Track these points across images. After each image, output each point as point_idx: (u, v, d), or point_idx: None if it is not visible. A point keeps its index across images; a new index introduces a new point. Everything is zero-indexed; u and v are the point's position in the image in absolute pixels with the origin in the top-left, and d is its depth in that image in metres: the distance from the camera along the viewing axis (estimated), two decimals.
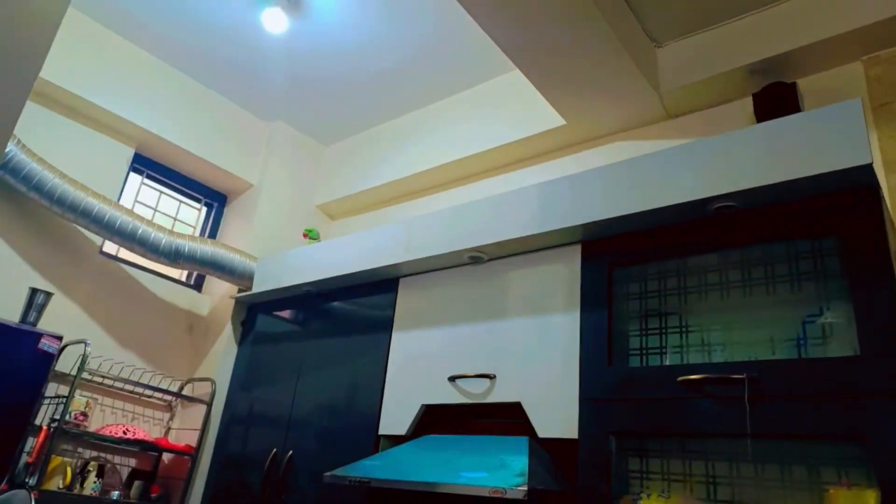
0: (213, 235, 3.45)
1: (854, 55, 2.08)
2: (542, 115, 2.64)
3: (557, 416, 1.77)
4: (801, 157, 1.53)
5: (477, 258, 2.17)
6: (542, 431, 1.78)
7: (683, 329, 1.74)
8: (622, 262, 1.87)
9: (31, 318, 2.52)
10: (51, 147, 2.77)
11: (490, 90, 2.96)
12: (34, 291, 2.54)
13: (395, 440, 2.18)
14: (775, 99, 2.09)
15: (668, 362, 1.72)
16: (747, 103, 2.25)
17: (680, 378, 1.58)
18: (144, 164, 3.24)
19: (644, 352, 1.77)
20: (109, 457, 2.76)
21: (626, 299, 1.86)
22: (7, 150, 2.44)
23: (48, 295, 2.58)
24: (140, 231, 2.69)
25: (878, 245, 1.44)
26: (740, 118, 2.27)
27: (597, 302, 1.84)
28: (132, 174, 3.20)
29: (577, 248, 1.96)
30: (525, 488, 1.45)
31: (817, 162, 1.50)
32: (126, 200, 3.15)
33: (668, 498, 1.55)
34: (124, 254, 3.06)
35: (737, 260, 1.71)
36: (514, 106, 2.79)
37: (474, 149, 2.85)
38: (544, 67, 2.27)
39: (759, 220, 1.65)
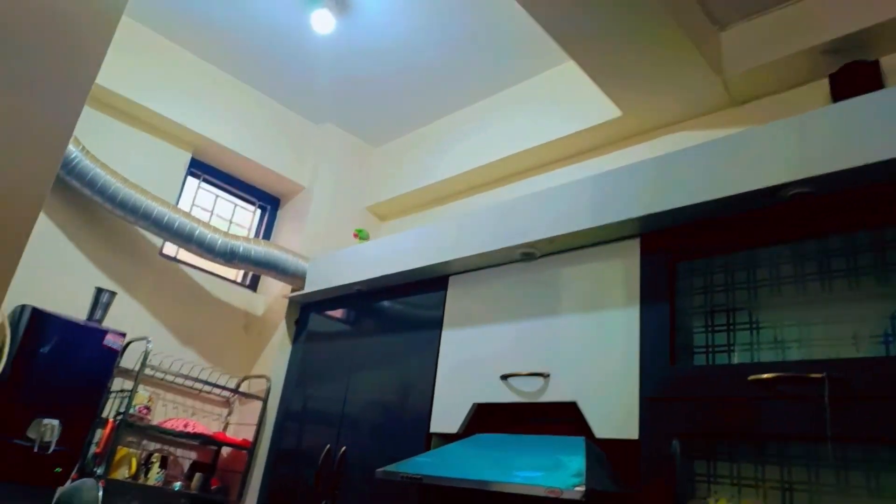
0: (266, 237, 3.53)
1: None
2: (597, 108, 2.55)
3: (616, 417, 1.69)
4: (886, 137, 1.41)
5: (529, 254, 2.11)
6: (600, 432, 1.71)
7: (754, 326, 1.63)
8: (686, 256, 1.77)
9: (97, 316, 2.63)
10: (113, 153, 2.88)
11: (541, 84, 2.89)
12: (99, 291, 2.66)
13: (447, 438, 2.14)
14: (856, 79, 1.93)
15: (736, 360, 1.61)
16: (822, 86, 2.09)
17: (751, 377, 1.48)
18: (201, 169, 3.34)
19: (710, 349, 1.67)
20: (172, 449, 2.85)
21: (690, 294, 1.76)
22: (73, 155, 2.56)
23: (112, 294, 2.69)
24: (197, 232, 2.77)
25: None
26: (814, 102, 2.11)
27: (658, 297, 1.75)
28: (189, 178, 3.30)
29: (636, 242, 1.87)
30: (583, 489, 1.39)
31: None
32: (184, 204, 3.25)
33: None
34: (183, 255, 3.16)
35: (813, 251, 1.58)
36: (566, 99, 2.72)
37: (526, 145, 2.79)
38: (598, 56, 2.19)
39: (839, 206, 1.52)
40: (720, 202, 1.65)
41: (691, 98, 2.32)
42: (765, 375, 1.46)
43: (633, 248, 1.87)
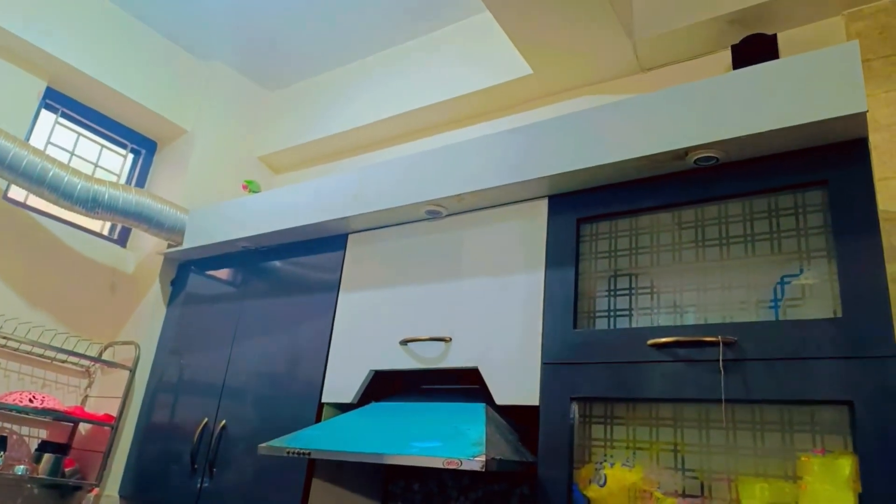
0: (140, 185, 3.11)
1: (835, 9, 1.98)
2: (507, 64, 2.46)
3: (517, 382, 1.63)
4: (791, 105, 1.41)
5: (435, 213, 1.98)
6: (501, 398, 1.64)
7: (654, 290, 1.62)
8: (591, 217, 1.73)
9: None
10: None
11: (451, 36, 2.74)
12: None
13: (341, 408, 2.00)
14: (755, 51, 1.97)
15: (637, 325, 1.60)
16: (724, 57, 2.13)
17: (650, 341, 1.47)
18: (59, 101, 2.86)
19: (612, 314, 1.65)
20: (15, 427, 2.46)
21: (595, 258, 1.73)
22: None
23: None
24: (51, 174, 2.36)
25: (867, 200, 1.35)
26: (716, 72, 2.15)
27: (563, 261, 1.70)
28: (44, 112, 2.82)
29: (544, 203, 1.81)
30: (483, 459, 1.31)
31: (810, 110, 1.38)
32: (37, 141, 2.78)
33: (632, 467, 1.44)
34: (34, 201, 2.71)
35: (714, 217, 1.59)
36: (477, 54, 2.59)
37: (433, 98, 2.64)
38: (514, 8, 2.08)
39: (741, 173, 1.53)
40: (626, 164, 1.62)
41: (602, 61, 2.29)
42: (662, 340, 1.45)
43: (540, 209, 1.81)
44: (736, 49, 2.01)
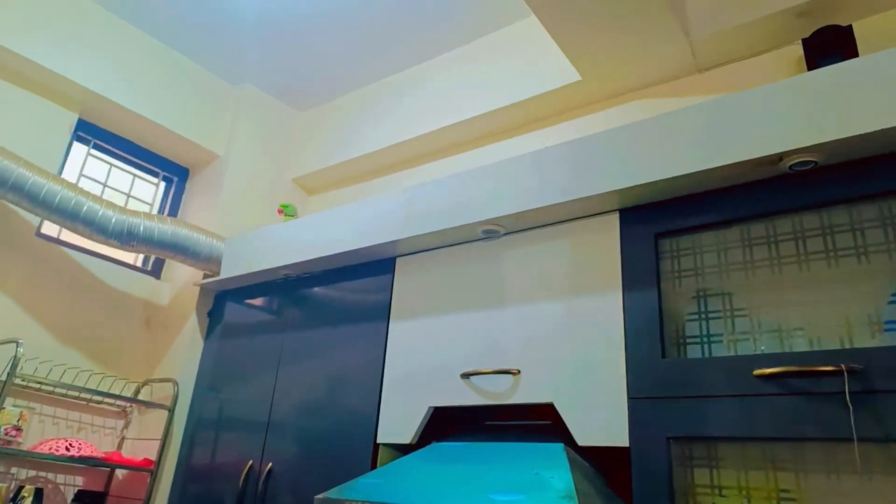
0: (173, 214, 3.03)
1: None
2: (553, 71, 2.32)
3: (601, 420, 1.46)
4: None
5: (492, 232, 1.83)
6: (583, 438, 1.47)
7: (752, 312, 1.44)
8: (671, 231, 1.56)
9: None
10: None
11: (492, 44, 2.61)
12: None
13: (399, 450, 1.84)
14: (829, 44, 1.81)
15: (736, 351, 1.42)
16: (789, 53, 1.97)
17: (756, 371, 1.29)
18: (90, 133, 2.79)
19: (705, 340, 1.47)
20: (51, 476, 2.34)
21: (679, 277, 1.56)
22: None
23: None
24: (85, 208, 2.27)
25: None
26: (782, 70, 1.99)
27: (642, 281, 1.53)
28: (76, 144, 2.75)
29: (614, 217, 1.65)
30: None
31: None
32: (69, 174, 2.71)
33: None
34: (67, 236, 2.63)
35: (816, 226, 1.42)
36: (519, 62, 2.46)
37: (471, 112, 2.51)
38: (560, 8, 1.94)
39: (844, 177, 1.36)
40: (710, 173, 1.45)
41: (655, 62, 2.14)
42: (772, 370, 1.28)
43: (611, 224, 1.65)
44: (807, 43, 1.85)
